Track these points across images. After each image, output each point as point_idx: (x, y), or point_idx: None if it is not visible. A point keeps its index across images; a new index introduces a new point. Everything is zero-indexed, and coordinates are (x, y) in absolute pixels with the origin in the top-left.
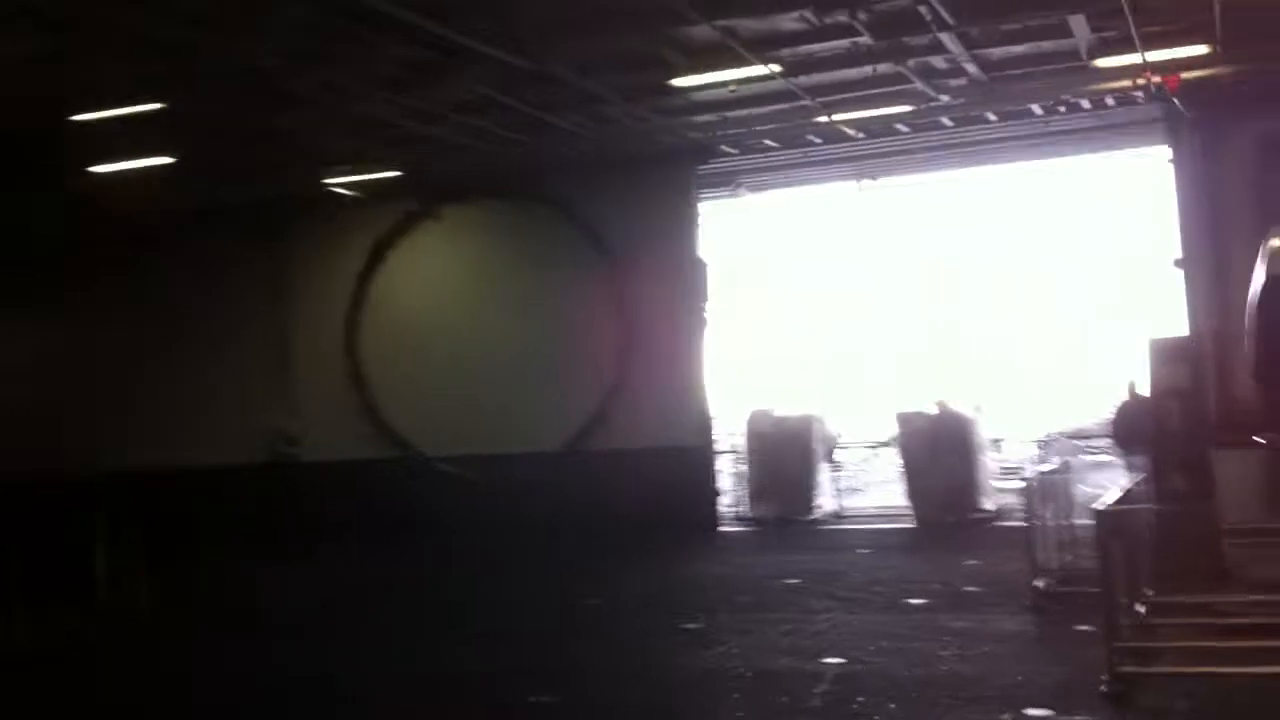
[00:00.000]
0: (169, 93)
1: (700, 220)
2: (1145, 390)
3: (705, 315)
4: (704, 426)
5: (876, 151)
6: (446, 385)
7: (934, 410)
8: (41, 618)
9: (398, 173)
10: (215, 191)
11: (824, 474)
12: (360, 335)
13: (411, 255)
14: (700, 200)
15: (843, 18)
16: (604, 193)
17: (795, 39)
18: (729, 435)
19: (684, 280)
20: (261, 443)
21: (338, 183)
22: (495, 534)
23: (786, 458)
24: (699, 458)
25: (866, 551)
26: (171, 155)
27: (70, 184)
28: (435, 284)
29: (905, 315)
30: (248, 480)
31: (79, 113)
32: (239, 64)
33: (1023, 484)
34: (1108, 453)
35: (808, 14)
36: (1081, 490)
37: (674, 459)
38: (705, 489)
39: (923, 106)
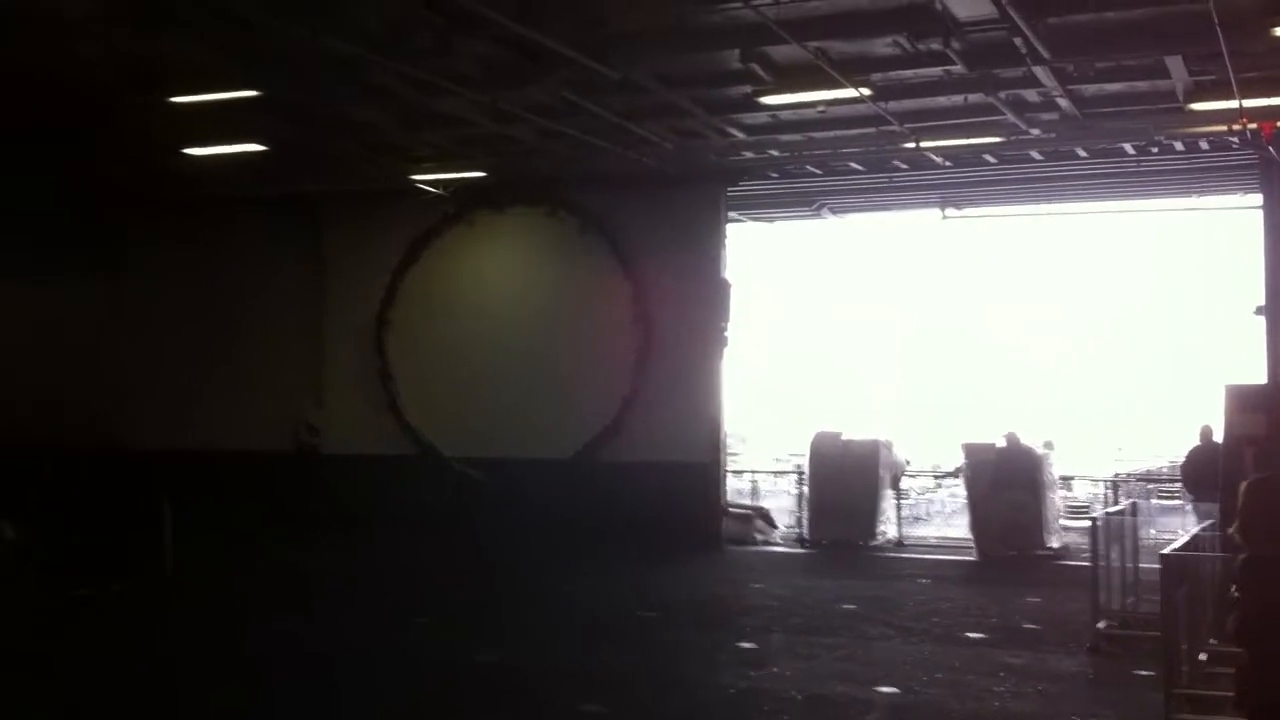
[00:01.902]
0: (253, 80)
1: (727, 240)
2: (1219, 436)
3: (726, 335)
4: (715, 444)
5: (962, 180)
6: (468, 387)
7: (1001, 443)
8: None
9: (477, 173)
10: (285, 179)
11: (888, 500)
12: (390, 333)
13: (443, 258)
14: (774, 220)
15: (936, 45)
16: (633, 207)
17: (887, 64)
18: (792, 456)
19: (707, 298)
20: (288, 432)
21: (423, 179)
22: (507, 537)
23: (850, 481)
24: (709, 474)
25: (926, 581)
26: (255, 142)
27: (150, 161)
28: (464, 287)
29: (980, 348)
30: (272, 468)
31: (169, 94)
32: (323, 54)
33: (1089, 523)
34: (1178, 497)
35: (901, 40)
36: (1149, 533)
37: (684, 474)
38: (713, 505)
39: (1012, 139)
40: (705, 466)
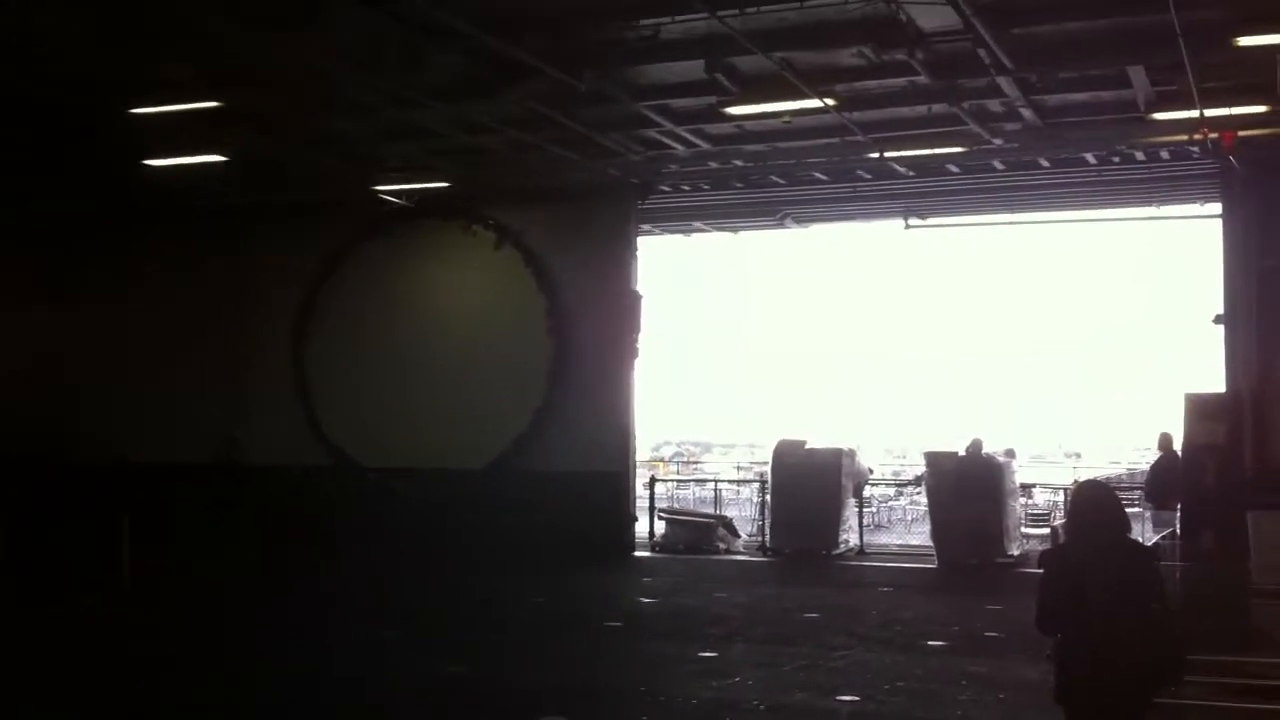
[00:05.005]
0: (226, 92)
1: (638, 253)
2: (1179, 444)
3: (638, 346)
4: (625, 453)
5: (925, 190)
6: (385, 398)
7: (963, 452)
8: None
9: (441, 183)
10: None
11: (850, 509)
12: (307, 345)
13: (360, 271)
14: (738, 230)
15: (901, 56)
16: (546, 221)
17: (852, 74)
18: (754, 464)
19: (619, 310)
20: (212, 444)
21: (386, 190)
22: (429, 548)
23: (813, 489)
24: (620, 483)
25: (888, 590)
26: (221, 154)
27: (118, 173)
28: (381, 299)
29: (939, 358)
30: (198, 480)
31: (137, 105)
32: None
33: (1049, 531)
34: (1137, 505)
35: (866, 50)
36: None
37: (598, 482)
38: (624, 514)
39: (976, 148)
40: (617, 475)
